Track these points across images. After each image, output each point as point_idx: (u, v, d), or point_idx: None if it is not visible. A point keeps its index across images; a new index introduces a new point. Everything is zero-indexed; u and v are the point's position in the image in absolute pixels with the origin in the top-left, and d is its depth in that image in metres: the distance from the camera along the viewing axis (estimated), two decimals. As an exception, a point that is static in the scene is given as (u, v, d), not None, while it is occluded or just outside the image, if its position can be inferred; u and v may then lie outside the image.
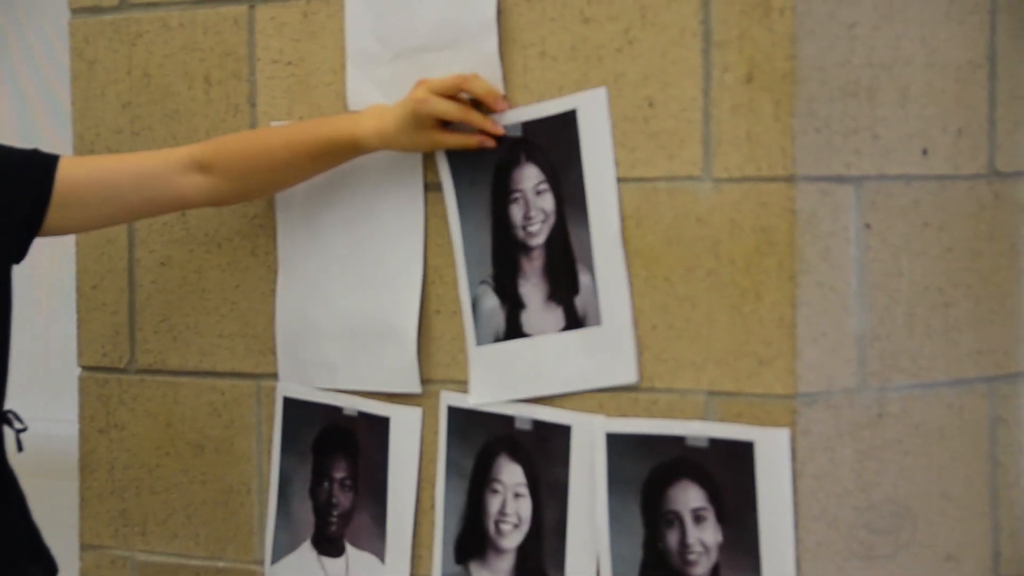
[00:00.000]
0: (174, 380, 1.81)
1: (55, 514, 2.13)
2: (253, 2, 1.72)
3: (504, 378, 1.59)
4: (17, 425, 1.64)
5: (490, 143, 1.56)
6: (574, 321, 1.53)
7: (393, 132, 1.56)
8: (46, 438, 2.27)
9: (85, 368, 1.88)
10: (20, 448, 1.65)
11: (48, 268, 2.20)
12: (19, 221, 1.60)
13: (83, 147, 1.84)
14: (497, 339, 1.58)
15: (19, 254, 1.62)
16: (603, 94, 1.49)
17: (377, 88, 1.63)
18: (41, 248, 2.11)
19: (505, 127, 1.55)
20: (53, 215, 1.59)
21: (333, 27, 1.66)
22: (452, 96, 1.54)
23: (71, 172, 1.60)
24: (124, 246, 1.81)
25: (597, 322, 1.51)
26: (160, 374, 1.82)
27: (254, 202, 1.71)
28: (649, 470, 1.46)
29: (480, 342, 1.59)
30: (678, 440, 1.44)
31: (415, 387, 1.62)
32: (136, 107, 1.79)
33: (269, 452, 1.75)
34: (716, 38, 1.43)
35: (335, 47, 1.66)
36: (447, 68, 1.57)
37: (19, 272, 2.27)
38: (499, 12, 1.54)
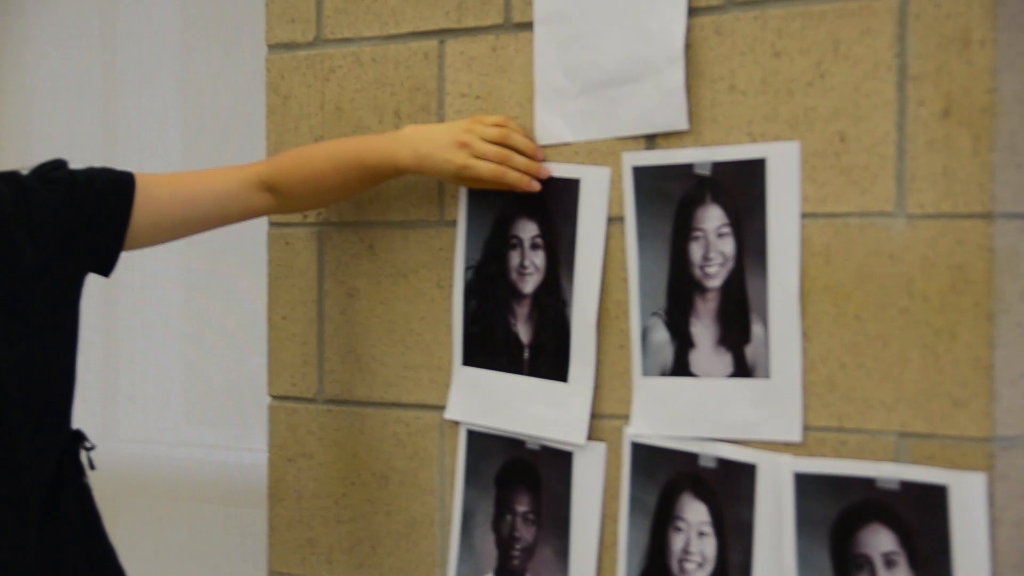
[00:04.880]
0: (360, 411, 1.88)
1: (245, 541, 2.25)
2: (443, 37, 1.79)
3: (666, 413, 1.62)
4: (87, 444, 1.72)
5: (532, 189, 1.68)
6: (743, 369, 1.56)
7: (432, 173, 1.73)
8: (236, 467, 2.39)
9: (275, 397, 1.96)
10: (92, 467, 1.73)
11: (241, 298, 2.35)
12: (104, 238, 1.71)
13: (276, 179, 1.96)
14: (663, 373, 1.62)
15: (106, 268, 1.73)
16: (796, 147, 1.52)
17: (564, 122, 1.69)
18: (236, 278, 2.29)
19: (693, 164, 1.59)
20: (136, 232, 1.72)
21: (521, 62, 1.72)
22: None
23: (153, 192, 1.73)
24: (314, 277, 1.89)
25: (766, 375, 1.54)
26: (347, 404, 1.89)
27: (440, 234, 1.80)
28: (838, 512, 1.47)
29: (646, 373, 1.63)
30: (868, 482, 1.45)
31: (580, 438, 1.66)
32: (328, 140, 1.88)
33: (452, 484, 1.80)
34: (911, 72, 1.45)
35: (523, 82, 1.72)
36: (633, 102, 1.63)
37: (214, 303, 2.45)
38: (687, 46, 1.59)
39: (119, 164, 2.45)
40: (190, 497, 2.46)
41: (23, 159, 2.49)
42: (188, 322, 2.50)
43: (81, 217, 1.68)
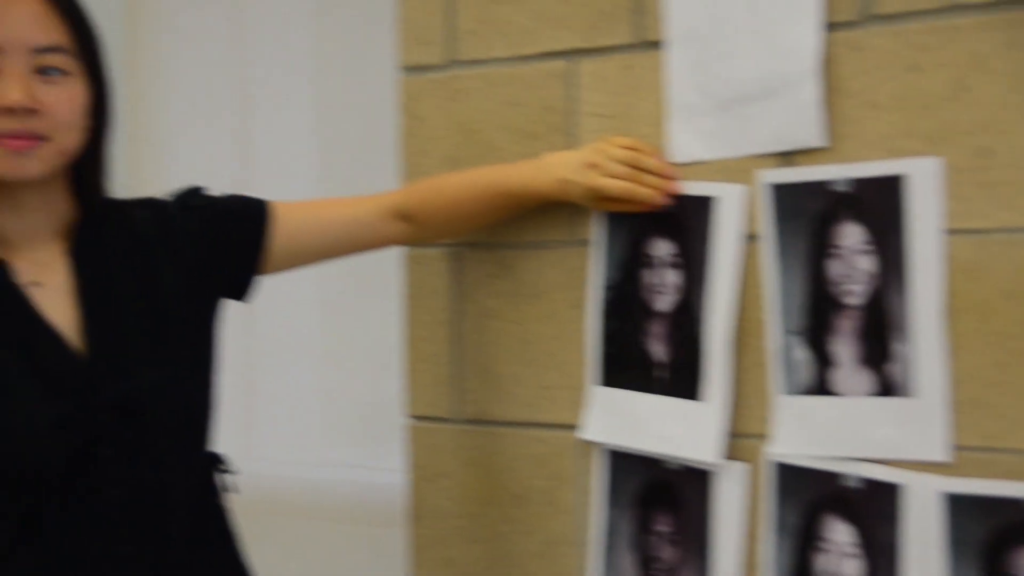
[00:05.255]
0: (497, 430, 1.90)
1: (381, 560, 2.27)
2: (575, 57, 1.80)
3: (808, 432, 1.62)
4: (224, 466, 1.74)
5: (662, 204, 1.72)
6: (885, 388, 1.56)
7: (572, 196, 1.75)
8: (373, 487, 2.41)
9: (413, 417, 1.97)
10: (232, 489, 1.76)
11: (376, 319, 2.38)
12: (240, 265, 1.75)
13: (410, 201, 1.97)
14: (803, 392, 1.62)
15: (242, 294, 1.78)
16: (937, 163, 1.52)
17: (698, 140, 1.70)
18: (371, 299, 2.32)
19: (831, 181, 1.59)
20: (271, 257, 1.76)
21: (653, 80, 1.73)
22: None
23: (287, 219, 1.77)
24: (450, 298, 1.91)
25: (910, 393, 1.54)
26: (484, 424, 1.92)
27: (574, 254, 1.81)
28: (989, 534, 1.46)
29: (786, 392, 1.63)
30: (1020, 503, 1.45)
31: (713, 457, 1.68)
32: (460, 161, 1.90)
33: (590, 504, 1.81)
34: (1057, 84, 1.45)
35: (655, 99, 1.73)
36: (769, 119, 1.63)
37: (350, 324, 2.49)
38: (824, 62, 1.59)
39: (254, 187, 2.52)
40: (327, 517, 2.47)
41: (161, 182, 2.54)
42: (324, 343, 2.51)
43: (218, 244, 1.73)
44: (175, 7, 2.62)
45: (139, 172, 2.61)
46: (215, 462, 1.74)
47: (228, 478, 1.75)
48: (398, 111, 1.98)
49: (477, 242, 1.91)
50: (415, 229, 1.82)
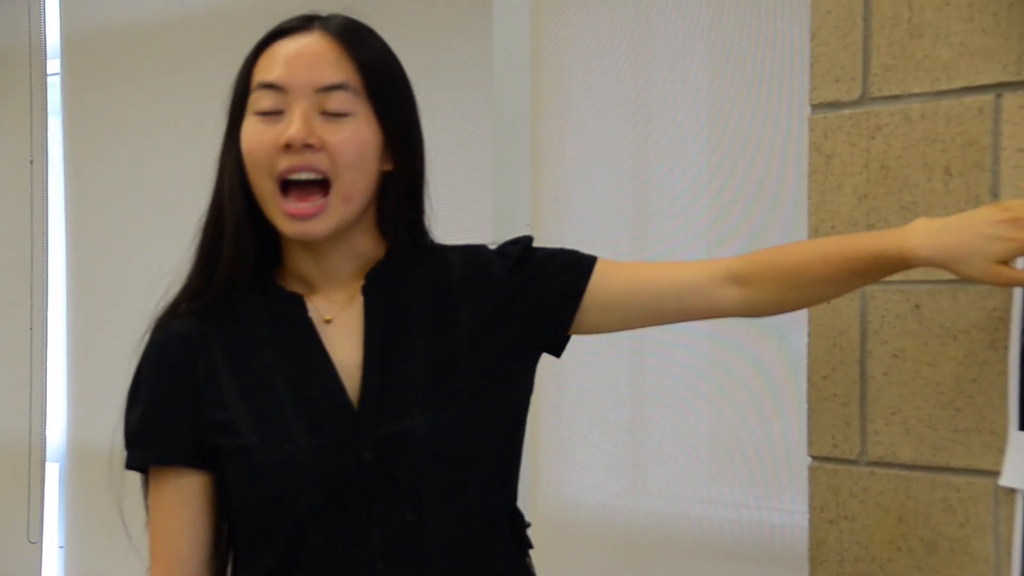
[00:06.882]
0: (906, 474, 1.90)
1: None
2: (1000, 91, 1.79)
3: None
4: (520, 522, 1.76)
5: None
6: None
7: (958, 258, 1.62)
8: (765, 527, 2.43)
9: (816, 458, 1.98)
10: (530, 545, 1.78)
11: (767, 357, 2.41)
12: (551, 316, 1.75)
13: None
14: None
15: (554, 347, 1.79)
16: None
17: None
18: (760, 338, 2.35)
19: None
20: (587, 315, 1.75)
21: None
22: None
23: (609, 276, 1.75)
24: (856, 338, 1.92)
25: None
26: (891, 467, 1.91)
27: (994, 294, 1.79)
28: None
29: None
30: None
31: None
32: (872, 199, 1.91)
33: (1008, 555, 1.78)
34: None
35: None
36: None
37: (741, 361, 2.51)
38: None
39: (648, 224, 2.62)
40: (716, 555, 2.50)
41: (561, 219, 2.66)
42: (715, 380, 2.55)
43: (525, 291, 1.75)
44: (577, 45, 2.74)
45: (540, 211, 2.72)
46: (513, 518, 1.76)
47: (526, 534, 1.78)
48: (807, 148, 2.00)
49: (886, 280, 1.90)
50: (751, 294, 1.73)
